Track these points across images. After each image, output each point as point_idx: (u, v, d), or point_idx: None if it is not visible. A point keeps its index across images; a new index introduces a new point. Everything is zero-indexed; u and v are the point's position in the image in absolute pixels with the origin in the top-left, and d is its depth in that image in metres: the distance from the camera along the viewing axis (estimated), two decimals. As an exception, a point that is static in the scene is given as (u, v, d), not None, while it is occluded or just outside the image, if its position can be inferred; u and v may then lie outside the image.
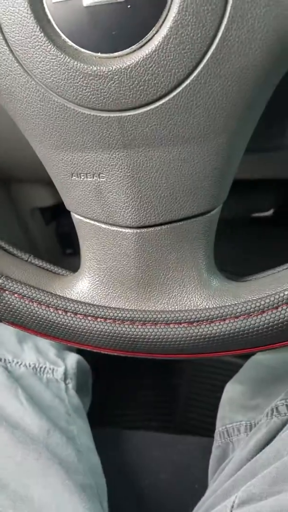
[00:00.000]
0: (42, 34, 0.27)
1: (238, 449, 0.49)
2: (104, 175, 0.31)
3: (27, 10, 0.26)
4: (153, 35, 0.25)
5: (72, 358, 0.62)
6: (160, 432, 0.67)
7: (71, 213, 0.34)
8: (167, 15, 0.25)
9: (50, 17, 0.27)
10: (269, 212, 0.86)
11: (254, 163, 0.57)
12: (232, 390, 0.56)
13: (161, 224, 0.32)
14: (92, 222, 0.33)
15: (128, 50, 0.26)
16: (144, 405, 0.88)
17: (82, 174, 0.31)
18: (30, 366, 0.57)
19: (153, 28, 0.25)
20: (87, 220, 0.33)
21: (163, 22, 0.25)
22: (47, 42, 0.27)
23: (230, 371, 0.64)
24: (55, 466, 0.45)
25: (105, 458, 0.57)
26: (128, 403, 0.88)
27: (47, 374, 0.57)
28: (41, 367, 0.58)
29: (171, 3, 0.25)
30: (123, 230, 0.32)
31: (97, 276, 0.35)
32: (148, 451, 0.63)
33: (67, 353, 0.63)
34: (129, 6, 0.25)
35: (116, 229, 0.32)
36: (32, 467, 0.44)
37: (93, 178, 0.31)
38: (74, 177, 0.31)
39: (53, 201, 0.76)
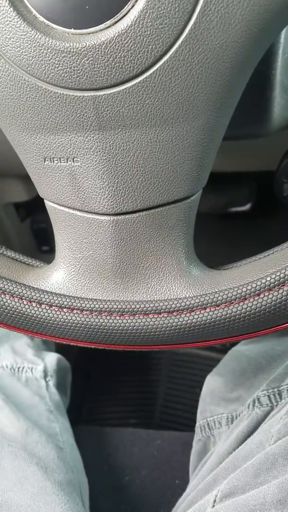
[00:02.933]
0: (11, 9, 0.25)
1: (219, 442, 0.48)
2: (78, 159, 0.29)
3: None
4: (129, 10, 0.24)
5: (52, 357, 0.61)
6: (140, 428, 0.66)
7: (45, 201, 0.33)
8: None
9: None
10: (246, 207, 0.86)
11: (231, 154, 0.57)
12: (212, 382, 0.56)
13: (138, 211, 0.31)
14: (66, 209, 0.32)
15: (102, 25, 0.25)
16: (122, 401, 0.88)
17: (55, 159, 0.30)
18: (7, 367, 0.56)
19: (129, 2, 0.24)
20: (61, 208, 0.32)
21: None
22: (16, 17, 0.25)
23: (208, 365, 0.63)
24: (32, 467, 0.43)
25: (84, 456, 0.56)
26: (106, 400, 0.88)
27: (25, 373, 0.56)
28: (19, 367, 0.57)
29: None
30: (99, 217, 0.31)
31: (72, 266, 0.34)
32: (128, 448, 0.62)
33: (46, 352, 0.62)
34: None
35: (92, 216, 0.31)
36: (8, 470, 0.43)
37: (67, 162, 0.30)
38: (47, 162, 0.30)
39: (28, 196, 0.75)
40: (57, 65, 0.26)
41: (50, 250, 0.89)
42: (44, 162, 0.30)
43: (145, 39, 0.25)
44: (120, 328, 0.32)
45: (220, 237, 0.97)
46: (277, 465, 0.35)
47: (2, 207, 0.78)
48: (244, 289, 0.30)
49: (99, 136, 0.28)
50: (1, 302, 0.33)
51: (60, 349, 0.69)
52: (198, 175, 0.30)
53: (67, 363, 0.66)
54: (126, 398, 0.88)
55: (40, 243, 0.91)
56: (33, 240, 0.90)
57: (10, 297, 0.33)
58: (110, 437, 0.63)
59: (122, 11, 0.24)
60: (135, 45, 0.25)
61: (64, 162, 0.30)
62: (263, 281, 0.30)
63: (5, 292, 0.33)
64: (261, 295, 0.30)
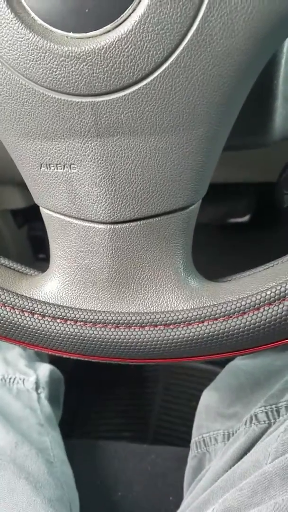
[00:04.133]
0: (9, 11, 0.25)
1: (215, 459, 0.47)
2: (75, 166, 0.29)
3: None
4: (130, 14, 0.24)
5: (44, 368, 0.60)
6: (134, 442, 0.65)
7: (40, 208, 0.32)
8: None
9: None
10: (245, 218, 0.86)
11: (231, 165, 0.57)
12: (209, 398, 0.55)
13: (136, 220, 0.30)
14: (62, 217, 0.31)
15: (102, 29, 0.24)
16: (117, 415, 0.86)
17: (52, 165, 0.29)
18: None
19: (130, 6, 0.24)
20: (57, 215, 0.31)
21: (140, 0, 0.23)
22: (14, 19, 0.25)
23: (205, 379, 0.62)
24: (21, 481, 0.42)
25: (77, 470, 0.55)
26: (100, 413, 0.87)
27: (17, 385, 0.55)
28: (10, 378, 0.56)
29: None
30: (96, 225, 0.30)
31: (67, 275, 0.33)
32: (122, 462, 0.61)
33: (38, 363, 0.61)
34: None
35: (88, 224, 0.30)
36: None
37: (63, 169, 0.29)
38: (43, 168, 0.29)
39: (25, 204, 0.74)
40: (55, 70, 0.25)
41: (46, 258, 0.89)
42: (40, 168, 0.30)
43: (146, 44, 0.24)
44: (115, 340, 0.31)
45: (219, 248, 0.97)
46: (274, 484, 0.34)
47: (-1, 213, 0.78)
48: (243, 303, 0.29)
49: (97, 143, 0.27)
50: None
51: (54, 360, 0.68)
52: (198, 185, 0.29)
53: (60, 375, 0.65)
54: (121, 411, 0.87)
55: (36, 251, 0.90)
56: (29, 247, 0.90)
57: (1, 306, 0.32)
58: (104, 451, 0.62)
59: (122, 15, 0.24)
60: (136, 50, 0.24)
61: (61, 169, 0.29)
62: (263, 294, 0.29)
63: (-3, 301, 0.32)
64: (261, 309, 0.29)
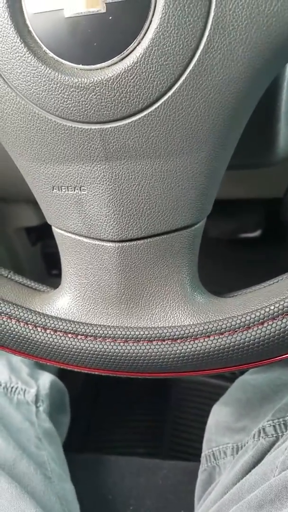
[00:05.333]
0: (23, 45, 0.26)
1: (224, 472, 0.48)
2: (85, 188, 0.30)
3: (8, 20, 0.26)
4: (135, 47, 0.25)
5: (45, 379, 0.60)
6: (147, 458, 0.65)
7: (52, 227, 0.34)
8: (148, 26, 0.25)
9: (31, 28, 0.26)
10: (256, 233, 0.87)
11: (240, 182, 0.58)
12: (218, 412, 0.55)
13: (143, 238, 0.31)
14: (73, 236, 0.32)
15: (109, 62, 0.26)
16: (130, 430, 0.86)
17: (63, 187, 0.31)
18: (0, 385, 0.55)
19: (135, 40, 0.25)
20: (68, 234, 0.33)
21: (144, 33, 0.25)
22: (27, 53, 0.26)
23: (216, 394, 0.62)
24: (20, 500, 0.42)
25: (89, 485, 0.55)
26: (112, 429, 0.86)
27: (18, 395, 0.56)
28: (12, 387, 0.56)
29: (152, 14, 0.25)
30: (105, 244, 0.32)
31: (78, 291, 0.34)
32: (133, 477, 0.61)
33: (40, 372, 0.61)
34: (110, 18, 0.25)
35: (98, 243, 0.32)
36: (3, 494, 0.42)
37: (74, 191, 0.30)
38: (55, 190, 0.31)
39: (39, 221, 0.76)
40: (66, 99, 0.27)
41: (59, 274, 0.90)
42: (52, 190, 0.31)
43: (150, 75, 0.26)
44: (124, 354, 0.32)
45: (228, 263, 0.97)
46: (280, 497, 0.34)
47: (14, 231, 0.79)
48: (248, 318, 0.30)
49: (105, 166, 0.29)
50: (8, 326, 0.34)
51: (65, 375, 0.68)
52: (202, 204, 0.30)
53: (62, 385, 0.64)
54: (133, 427, 0.87)
55: (50, 267, 0.92)
56: (43, 264, 0.91)
57: (16, 321, 0.34)
58: (115, 465, 0.63)
59: (128, 48, 0.25)
60: (141, 81, 0.26)
61: (72, 191, 0.31)
62: (267, 309, 0.30)
63: (11, 317, 0.34)
64: (265, 324, 0.30)
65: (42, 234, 0.86)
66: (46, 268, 0.92)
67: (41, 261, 0.91)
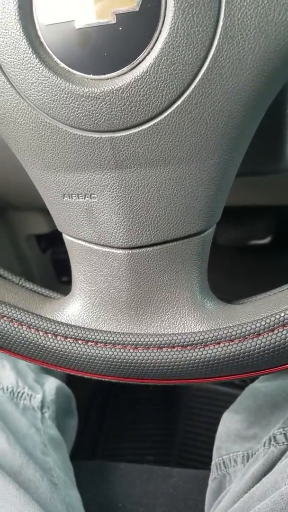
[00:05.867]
0: (35, 56, 0.27)
1: (235, 480, 0.47)
2: (95, 196, 0.30)
3: (20, 32, 0.26)
4: (144, 57, 0.26)
5: (51, 384, 0.60)
6: (157, 465, 0.65)
7: (63, 234, 0.34)
8: (158, 37, 0.25)
9: (42, 39, 0.27)
10: (266, 240, 0.87)
11: (250, 189, 0.58)
12: (229, 420, 0.55)
13: (153, 245, 0.31)
14: (83, 243, 0.33)
15: (119, 71, 0.26)
16: (140, 438, 0.86)
17: (74, 195, 0.31)
18: (7, 389, 0.55)
19: (144, 50, 0.26)
20: (78, 241, 0.33)
21: (154, 44, 0.25)
22: (39, 64, 0.27)
23: (228, 402, 0.62)
24: (27, 507, 0.42)
25: (98, 492, 0.55)
26: (123, 436, 0.86)
27: (24, 400, 0.55)
28: (18, 392, 0.56)
29: (162, 25, 0.25)
30: (115, 251, 0.32)
31: (88, 298, 0.34)
32: (143, 485, 0.61)
33: (46, 377, 0.61)
34: (120, 28, 0.25)
35: (108, 250, 0.32)
36: (10, 501, 0.42)
37: (84, 198, 0.31)
38: (66, 198, 0.31)
39: (49, 228, 0.76)
40: (77, 109, 0.27)
41: (69, 281, 0.90)
42: (63, 198, 0.31)
43: (159, 84, 0.26)
44: (134, 361, 0.32)
45: (238, 269, 0.97)
46: None
47: (24, 238, 0.80)
48: (258, 324, 0.30)
49: (115, 174, 0.29)
50: (19, 333, 0.34)
51: (75, 382, 0.68)
52: (211, 211, 0.31)
53: (68, 390, 0.64)
54: (143, 434, 0.86)
55: (59, 274, 0.92)
56: (53, 271, 0.92)
57: (27, 328, 0.34)
58: (126, 473, 0.62)
59: (138, 58, 0.26)
60: (150, 90, 0.26)
61: (82, 198, 0.31)
62: (277, 316, 0.30)
63: (22, 323, 0.34)
64: (275, 331, 0.30)
65: (52, 241, 0.87)
66: (56, 275, 0.92)
67: (51, 268, 0.91)
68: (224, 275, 0.91)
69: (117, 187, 0.30)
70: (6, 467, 0.46)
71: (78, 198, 0.31)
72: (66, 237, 0.34)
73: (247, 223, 0.85)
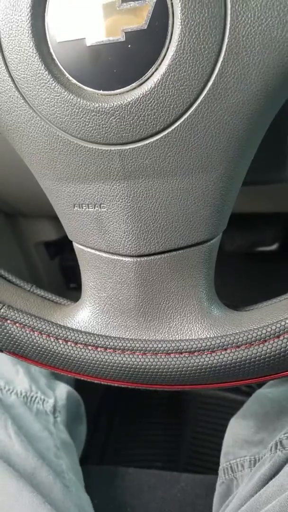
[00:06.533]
0: (47, 72, 0.28)
1: (242, 485, 0.48)
2: (105, 206, 0.31)
3: (33, 49, 0.28)
4: (152, 73, 0.27)
5: (62, 389, 0.61)
6: (165, 470, 0.65)
7: (73, 242, 0.35)
8: (165, 53, 0.26)
9: (54, 56, 0.28)
10: (274, 246, 0.87)
11: (257, 196, 0.58)
12: (236, 425, 0.55)
13: (160, 253, 0.32)
14: (93, 251, 0.34)
15: (128, 87, 0.27)
16: (148, 443, 0.86)
17: (84, 205, 0.32)
18: (21, 394, 0.56)
19: (152, 66, 0.27)
20: (88, 249, 0.34)
21: (162, 60, 0.26)
22: (51, 80, 0.28)
23: (235, 408, 0.63)
24: (40, 507, 0.43)
25: (106, 497, 0.55)
26: (132, 442, 0.87)
27: (37, 404, 0.56)
28: (32, 397, 0.57)
29: (169, 42, 0.26)
30: (123, 258, 0.33)
31: (97, 305, 0.35)
32: (151, 490, 0.61)
33: (57, 383, 0.62)
34: (129, 46, 0.26)
35: (116, 257, 0.33)
36: (16, 505, 0.43)
37: (94, 208, 0.32)
38: (76, 208, 0.32)
39: (58, 236, 0.77)
40: (87, 123, 0.28)
41: (77, 287, 0.91)
42: (74, 208, 0.32)
43: (167, 99, 0.27)
44: (143, 367, 0.33)
45: (245, 276, 0.97)
46: None
47: (34, 245, 0.81)
48: (264, 331, 0.31)
49: (124, 185, 0.30)
50: (31, 339, 0.35)
51: (84, 388, 0.69)
52: (218, 220, 0.31)
53: (78, 396, 0.65)
54: (151, 440, 0.87)
55: (68, 280, 0.93)
56: (61, 277, 0.93)
57: (38, 334, 0.35)
58: (134, 478, 0.63)
59: (146, 74, 0.27)
60: (158, 104, 0.27)
61: (92, 208, 0.32)
62: (283, 323, 0.30)
63: (34, 329, 0.35)
64: (281, 337, 0.30)
65: (61, 248, 0.88)
66: (64, 282, 0.93)
67: (60, 274, 0.92)
68: (231, 281, 0.91)
69: (126, 197, 0.31)
70: (20, 469, 0.46)
71: (88, 208, 0.32)
72: (76, 245, 0.35)
73: (255, 229, 0.85)
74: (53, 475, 0.48)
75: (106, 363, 0.34)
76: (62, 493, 0.47)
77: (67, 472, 0.51)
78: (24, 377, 0.58)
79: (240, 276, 0.96)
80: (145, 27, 0.26)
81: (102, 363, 0.34)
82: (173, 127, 0.28)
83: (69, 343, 0.35)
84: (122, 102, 0.27)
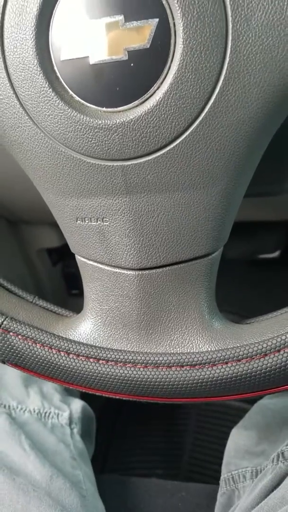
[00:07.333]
0: (51, 90, 0.28)
1: (243, 496, 0.48)
2: (107, 220, 0.32)
3: (37, 67, 0.28)
4: (155, 91, 0.27)
5: (77, 404, 0.61)
6: (166, 479, 0.65)
7: (76, 255, 0.35)
8: (167, 72, 0.27)
9: (58, 74, 0.28)
10: (275, 254, 0.87)
11: (258, 206, 0.59)
12: (237, 436, 0.55)
13: (162, 266, 0.32)
14: (95, 264, 0.34)
15: (131, 105, 0.28)
16: (149, 451, 0.86)
17: (87, 219, 0.32)
18: (34, 411, 0.57)
19: (155, 85, 0.27)
20: (91, 262, 0.34)
21: (164, 78, 0.27)
22: (55, 97, 0.28)
23: (236, 416, 0.63)
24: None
25: (107, 506, 0.55)
26: (132, 450, 0.87)
27: (51, 419, 0.57)
28: (45, 412, 0.57)
29: (171, 61, 0.26)
30: (125, 272, 0.33)
31: (99, 317, 0.35)
32: (152, 499, 0.61)
33: (71, 398, 0.63)
34: (132, 64, 0.27)
35: (119, 271, 0.33)
36: None
37: (97, 222, 0.32)
38: (79, 221, 0.33)
39: (60, 242, 0.78)
40: (90, 139, 0.29)
41: (79, 294, 0.92)
42: (76, 221, 0.33)
43: (168, 117, 0.27)
44: (144, 379, 0.33)
45: (247, 283, 0.97)
46: None
47: (36, 252, 0.82)
48: (265, 345, 0.31)
49: (126, 200, 0.30)
50: (33, 351, 0.35)
51: (85, 397, 0.69)
52: (219, 234, 0.32)
53: (92, 412, 0.65)
54: (152, 448, 0.86)
55: (70, 287, 0.93)
56: (63, 283, 0.93)
57: (41, 346, 0.35)
58: (134, 487, 0.63)
59: (148, 92, 0.27)
60: (160, 122, 0.27)
61: (94, 222, 0.32)
62: (283, 337, 0.30)
63: (36, 341, 0.35)
64: (281, 352, 0.30)
65: (63, 254, 0.88)
66: (66, 288, 0.94)
67: (61, 281, 0.92)
68: (232, 289, 0.91)
69: (128, 212, 0.31)
70: (36, 480, 0.47)
71: (91, 222, 0.32)
72: (78, 258, 0.35)
73: (256, 237, 0.85)
74: (70, 484, 0.48)
75: (108, 376, 0.34)
76: (80, 502, 0.47)
77: (85, 482, 0.52)
78: (35, 395, 0.58)
79: (242, 283, 0.96)
80: (148, 46, 0.26)
81: (103, 375, 0.34)
82: (174, 144, 0.28)
83: (71, 356, 0.35)
84: (124, 119, 0.28)
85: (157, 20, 0.26)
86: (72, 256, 0.36)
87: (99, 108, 0.28)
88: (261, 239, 0.86)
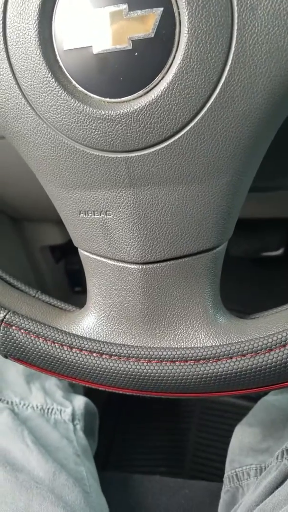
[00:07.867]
0: (54, 80, 0.28)
1: (247, 493, 0.47)
2: (110, 213, 0.31)
3: (40, 57, 0.28)
4: (159, 81, 0.27)
5: (80, 400, 0.61)
6: (169, 476, 0.65)
7: (79, 249, 0.35)
8: (172, 62, 0.26)
9: (61, 64, 0.28)
10: (279, 252, 0.87)
11: (262, 202, 0.58)
12: (241, 433, 0.55)
13: (166, 260, 0.32)
14: (98, 258, 0.34)
15: (135, 95, 0.27)
16: (152, 449, 0.86)
17: (90, 212, 0.32)
18: (37, 407, 0.57)
19: (159, 74, 0.27)
20: (94, 256, 0.34)
21: (168, 68, 0.26)
22: (58, 87, 0.28)
23: (239, 414, 0.62)
24: (59, 510, 0.43)
25: (111, 503, 0.55)
26: (135, 447, 0.86)
27: (54, 415, 0.57)
28: (48, 408, 0.57)
29: (176, 50, 0.26)
30: (129, 266, 0.33)
31: (102, 311, 0.35)
32: (155, 496, 0.61)
33: (74, 395, 0.63)
34: (136, 54, 0.26)
35: (122, 264, 0.33)
36: None
37: (100, 215, 0.32)
38: (82, 215, 0.32)
39: (63, 240, 0.78)
40: (93, 130, 0.28)
41: (82, 291, 0.92)
42: (80, 215, 0.32)
43: (173, 107, 0.27)
44: (147, 374, 0.33)
45: (251, 281, 0.97)
46: None
47: (39, 249, 0.82)
48: (270, 340, 0.31)
49: (130, 192, 0.30)
50: (35, 345, 0.35)
51: (89, 393, 0.69)
52: (224, 228, 0.31)
53: (95, 408, 0.65)
54: (156, 446, 0.86)
55: (73, 284, 0.93)
56: (66, 281, 0.93)
57: (43, 340, 0.35)
58: (138, 484, 0.63)
59: (153, 82, 0.27)
60: (164, 112, 0.27)
61: (98, 215, 0.32)
62: None
63: (39, 336, 0.35)
64: (286, 346, 0.30)
65: (66, 252, 0.88)
66: (69, 285, 0.94)
67: (64, 278, 0.92)
68: (237, 286, 0.91)
69: (132, 205, 0.31)
70: (40, 476, 0.46)
71: (94, 215, 0.32)
72: (81, 252, 0.35)
73: (260, 234, 0.85)
74: (73, 480, 0.48)
75: (111, 370, 0.34)
76: (83, 498, 0.47)
77: (88, 478, 0.52)
78: (38, 392, 0.58)
79: (246, 281, 0.96)
80: (152, 35, 0.26)
81: (106, 370, 0.34)
82: (179, 135, 0.28)
83: (73, 350, 0.34)
84: (128, 110, 0.27)
85: (161, 9, 0.26)
86: (74, 253, 0.36)
87: (103, 98, 0.28)
88: (264, 237, 0.86)
